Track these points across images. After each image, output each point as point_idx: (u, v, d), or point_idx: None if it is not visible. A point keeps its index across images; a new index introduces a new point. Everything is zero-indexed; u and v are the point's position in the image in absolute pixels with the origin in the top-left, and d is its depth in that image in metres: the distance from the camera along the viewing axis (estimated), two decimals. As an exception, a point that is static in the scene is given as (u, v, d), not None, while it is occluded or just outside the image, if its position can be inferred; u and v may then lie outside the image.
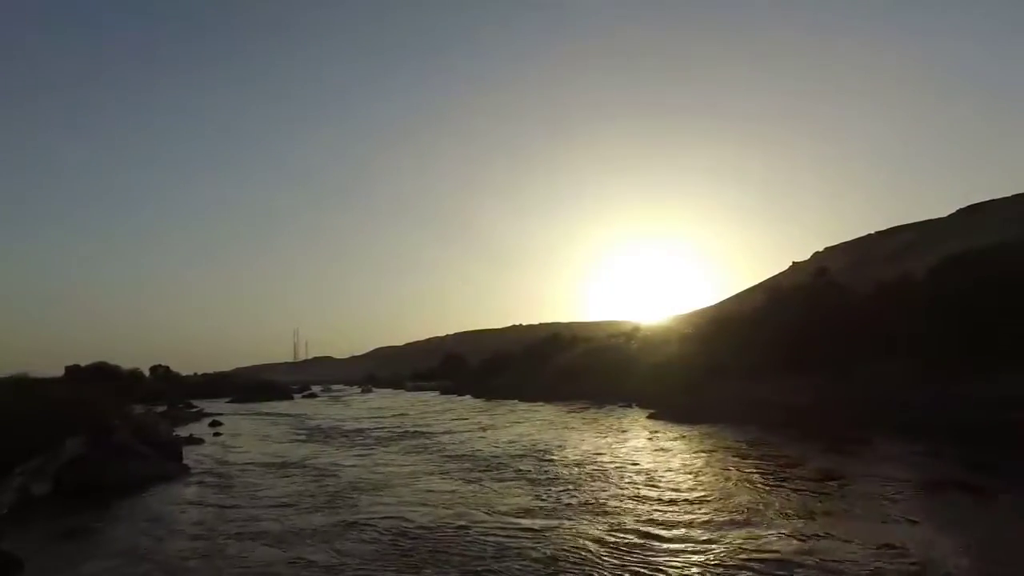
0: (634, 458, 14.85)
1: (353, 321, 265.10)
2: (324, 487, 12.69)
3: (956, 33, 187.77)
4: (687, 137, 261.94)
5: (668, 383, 33.26)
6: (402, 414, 34.71)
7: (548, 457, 15.54)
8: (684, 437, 18.66)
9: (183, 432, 27.41)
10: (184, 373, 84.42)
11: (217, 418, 36.04)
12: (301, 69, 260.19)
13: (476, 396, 51.80)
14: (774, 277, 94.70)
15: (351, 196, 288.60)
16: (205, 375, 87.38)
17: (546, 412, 31.59)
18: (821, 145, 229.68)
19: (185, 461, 17.90)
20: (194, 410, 42.60)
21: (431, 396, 59.92)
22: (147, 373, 68.97)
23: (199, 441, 23.84)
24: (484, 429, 23.78)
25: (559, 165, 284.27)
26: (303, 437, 23.61)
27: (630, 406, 32.36)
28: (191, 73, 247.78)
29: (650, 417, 26.21)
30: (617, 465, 13.91)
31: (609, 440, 18.80)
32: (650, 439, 18.55)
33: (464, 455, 16.66)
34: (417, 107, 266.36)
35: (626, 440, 18.68)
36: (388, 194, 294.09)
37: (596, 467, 13.81)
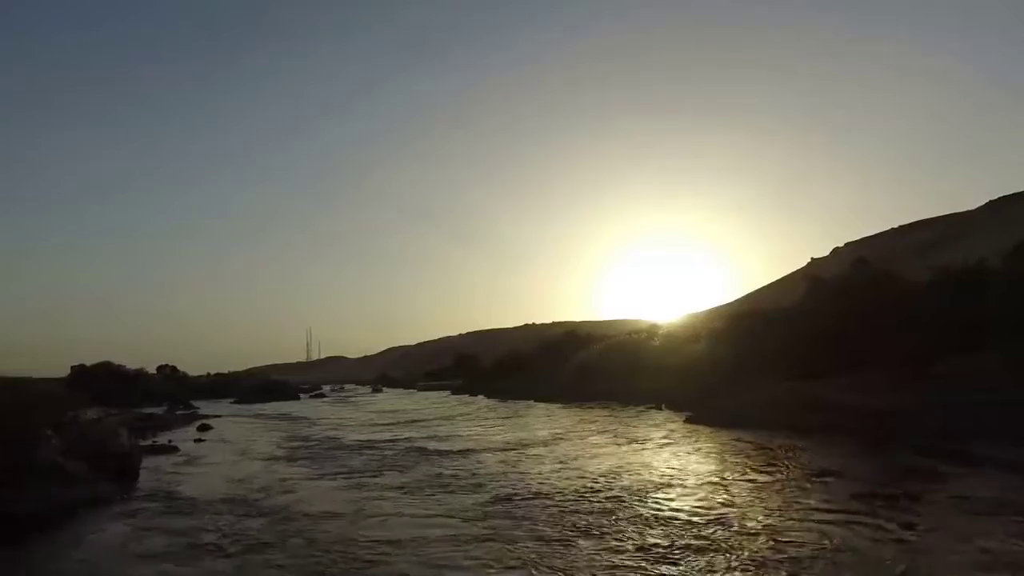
0: (791, 508, 9.12)
1: (366, 321, 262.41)
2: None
3: (971, 29, 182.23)
4: (698, 136, 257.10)
5: (700, 383, 29.48)
6: (413, 420, 29.57)
7: (659, 507, 9.55)
8: (763, 451, 14.31)
9: (164, 438, 24.04)
10: (197, 373, 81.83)
11: (212, 421, 32.49)
12: (313, 70, 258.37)
13: (489, 396, 48.01)
14: (791, 275, 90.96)
15: (363, 196, 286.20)
16: (218, 375, 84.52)
17: (573, 416, 27.11)
18: (834, 143, 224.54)
19: (140, 480, 14.38)
20: (189, 412, 39.07)
21: (443, 397, 56.21)
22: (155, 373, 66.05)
23: (173, 450, 20.22)
24: (518, 447, 17.67)
25: (572, 164, 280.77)
26: (289, 451, 18.80)
27: (659, 408, 28.56)
28: (202, 75, 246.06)
29: (688, 421, 22.35)
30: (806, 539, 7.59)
31: (698, 461, 13.64)
32: (761, 466, 12.68)
33: (518, 499, 10.64)
34: (430, 107, 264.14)
35: (727, 463, 13.21)
36: (401, 194, 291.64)
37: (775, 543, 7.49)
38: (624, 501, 10.14)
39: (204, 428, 28.40)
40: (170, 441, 22.65)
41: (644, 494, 10.63)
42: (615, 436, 19.04)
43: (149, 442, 22.35)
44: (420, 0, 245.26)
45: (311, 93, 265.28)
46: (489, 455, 16.31)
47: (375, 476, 13.71)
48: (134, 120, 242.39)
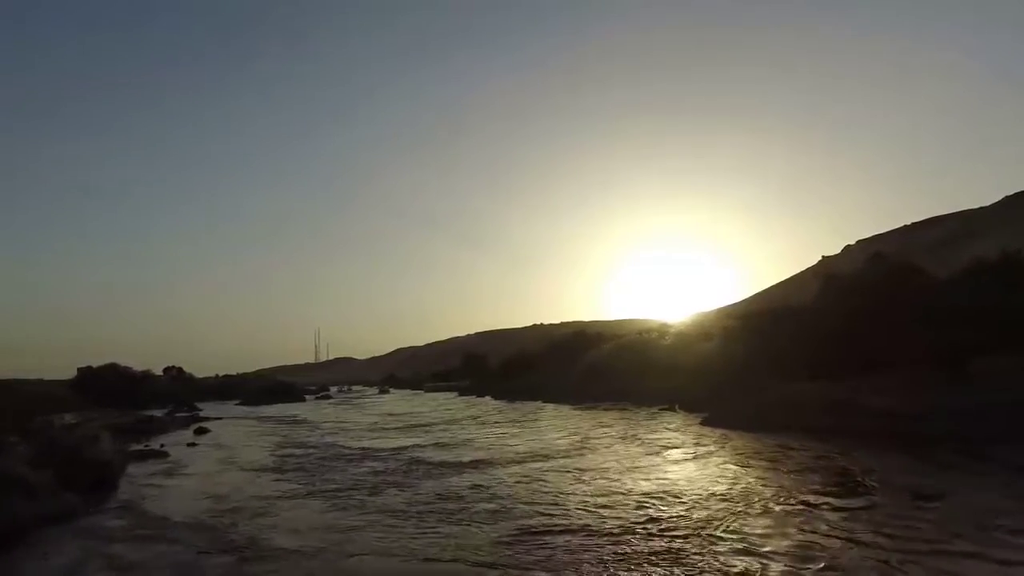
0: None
1: (374, 322, 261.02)
2: None
3: (976, 22, 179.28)
4: (704, 135, 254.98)
5: (712, 383, 28.21)
6: (418, 424, 27.44)
7: (748, 548, 7.27)
8: (819, 461, 12.50)
9: (159, 442, 22.97)
10: (207, 374, 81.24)
11: (211, 424, 31.47)
12: (321, 76, 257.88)
13: (497, 397, 46.69)
14: (801, 273, 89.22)
15: (371, 198, 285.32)
16: (226, 376, 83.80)
17: (587, 419, 25.42)
18: (842, 141, 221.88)
19: (118, 490, 13.22)
20: (190, 414, 38.05)
21: (450, 398, 54.93)
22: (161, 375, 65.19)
23: (163, 456, 19.10)
24: (537, 457, 15.34)
25: (579, 165, 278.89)
26: (280, 460, 16.98)
27: (673, 409, 27.25)
28: (211, 80, 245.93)
29: (706, 423, 21.06)
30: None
31: (753, 476, 11.48)
32: (831, 482, 10.52)
33: (550, 533, 8.27)
34: (436, 109, 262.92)
35: (789, 478, 11.07)
36: (408, 195, 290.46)
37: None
38: (696, 538, 7.69)
39: (201, 431, 27.33)
40: (162, 445, 21.59)
41: (717, 526, 8.17)
42: (642, 443, 17.14)
43: (141, 446, 21.35)
44: (426, 5, 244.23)
45: (318, 98, 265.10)
46: (504, 469, 13.99)
47: (370, 495, 11.65)
48: (143, 124, 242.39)
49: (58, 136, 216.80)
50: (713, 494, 10.20)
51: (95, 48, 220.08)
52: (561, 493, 10.96)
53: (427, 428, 25.19)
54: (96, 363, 55.38)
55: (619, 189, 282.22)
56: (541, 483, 12.00)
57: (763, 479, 11.21)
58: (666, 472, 12.55)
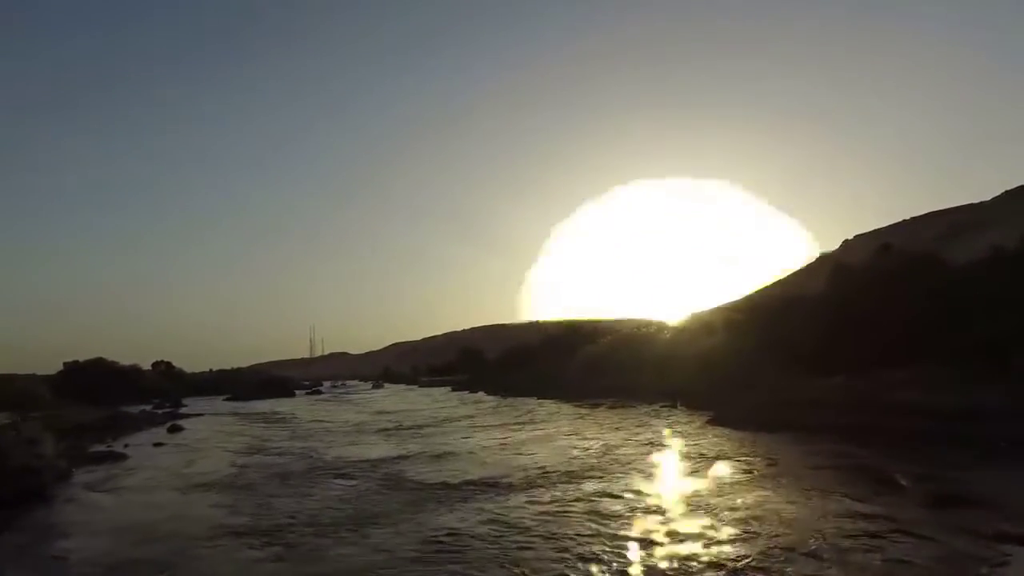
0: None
1: (370, 317, 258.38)
2: None
3: (983, 18, 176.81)
4: (703, 131, 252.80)
5: (715, 378, 26.39)
6: (408, 426, 24.61)
7: None
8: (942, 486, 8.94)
9: (123, 442, 20.95)
10: (202, 369, 79.62)
11: (190, 421, 29.59)
12: (319, 71, 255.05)
13: (491, 393, 44.79)
14: (799, 270, 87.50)
15: (368, 193, 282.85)
16: (220, 371, 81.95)
17: (593, 420, 23.15)
18: (837, 137, 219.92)
19: (43, 506, 11.26)
20: (170, 411, 36.09)
21: (444, 393, 53.06)
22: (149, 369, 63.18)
23: (121, 458, 17.15)
24: (556, 475, 11.88)
25: (577, 161, 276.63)
26: (237, 473, 14.15)
27: (675, 406, 25.38)
28: (208, 76, 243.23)
29: (711, 422, 19.14)
30: None
31: (862, 504, 8.30)
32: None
33: None
34: (432, 105, 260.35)
35: (911, 511, 7.82)
36: (406, 191, 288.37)
37: None
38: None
39: (175, 430, 25.38)
40: (126, 446, 19.74)
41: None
42: (677, 454, 13.91)
43: (103, 447, 19.45)
44: (424, 1, 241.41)
45: (313, 93, 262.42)
46: (519, 496, 10.31)
47: (329, 539, 8.21)
48: (139, 120, 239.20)
49: (55, 133, 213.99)
50: (849, 546, 6.66)
51: (93, 46, 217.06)
52: (617, 550, 7.11)
53: (418, 431, 22.38)
54: (90, 357, 53.78)
55: (617, 184, 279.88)
56: (579, 525, 8.17)
57: (891, 517, 7.63)
58: (748, 507, 8.64)
